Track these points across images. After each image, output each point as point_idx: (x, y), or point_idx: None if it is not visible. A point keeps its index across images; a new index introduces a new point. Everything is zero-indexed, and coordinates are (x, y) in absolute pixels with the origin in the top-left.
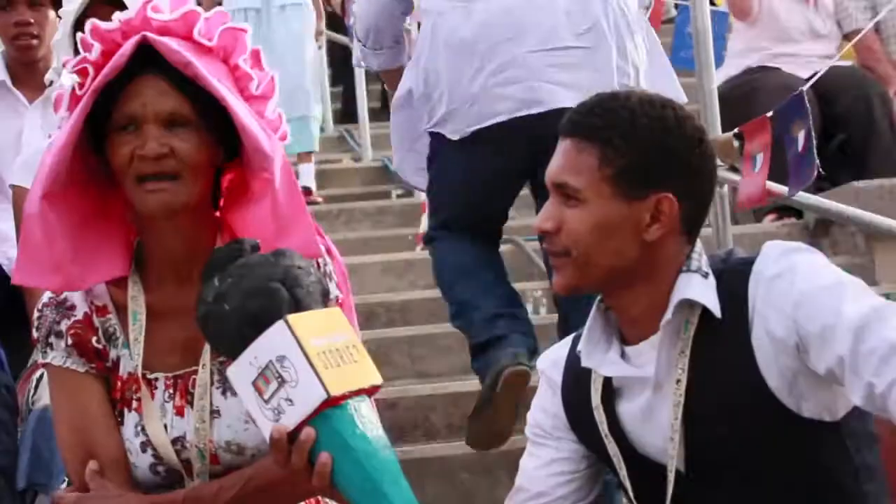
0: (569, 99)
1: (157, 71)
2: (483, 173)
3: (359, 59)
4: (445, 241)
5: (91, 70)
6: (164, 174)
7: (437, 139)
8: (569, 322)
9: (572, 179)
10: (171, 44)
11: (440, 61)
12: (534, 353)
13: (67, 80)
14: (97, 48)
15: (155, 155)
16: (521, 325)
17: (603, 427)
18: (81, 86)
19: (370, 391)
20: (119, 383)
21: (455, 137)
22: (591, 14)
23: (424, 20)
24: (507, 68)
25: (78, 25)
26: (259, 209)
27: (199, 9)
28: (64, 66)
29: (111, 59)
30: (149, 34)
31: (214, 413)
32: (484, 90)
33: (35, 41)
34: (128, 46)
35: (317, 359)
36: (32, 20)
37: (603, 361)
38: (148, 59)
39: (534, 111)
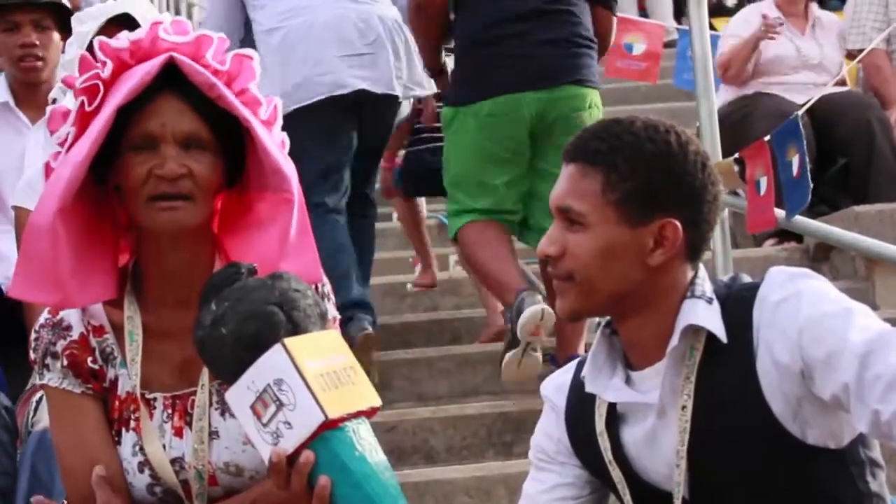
0: (362, 83)
1: (174, 91)
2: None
3: None
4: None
5: (101, 87)
6: (179, 195)
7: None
8: None
9: (576, 204)
10: (195, 66)
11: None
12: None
13: (71, 100)
14: (109, 65)
15: (174, 175)
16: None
17: (607, 453)
18: (91, 102)
19: (369, 413)
20: (117, 403)
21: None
22: (374, 29)
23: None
24: (321, 65)
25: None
26: (266, 233)
27: (212, 34)
28: (65, 83)
29: (132, 76)
30: (175, 55)
31: (213, 434)
32: (306, 79)
33: (40, 63)
34: (154, 65)
35: (314, 381)
36: (38, 42)
37: (607, 387)
38: (164, 79)
39: (340, 92)
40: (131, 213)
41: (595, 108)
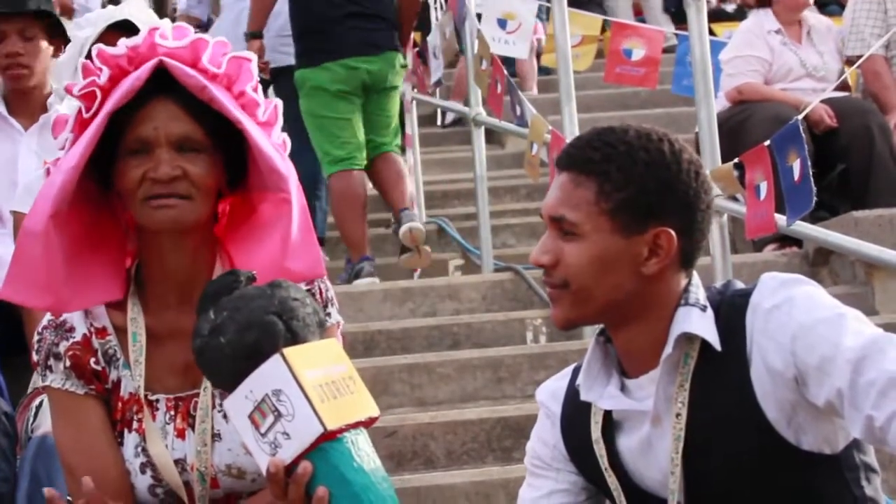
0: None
1: (168, 95)
2: None
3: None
4: None
5: (98, 94)
6: (175, 195)
7: None
8: None
9: (570, 213)
10: (186, 69)
11: None
12: None
13: (67, 105)
14: (106, 72)
15: (168, 178)
16: None
17: (603, 461)
18: (88, 109)
19: (367, 423)
20: (120, 404)
21: None
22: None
23: None
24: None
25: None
26: (269, 233)
27: (207, 37)
28: (67, 91)
29: (124, 83)
30: (165, 59)
31: (215, 436)
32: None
33: (25, 71)
34: (144, 70)
35: (313, 392)
36: (23, 51)
37: (602, 395)
38: (158, 84)
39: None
40: (132, 215)
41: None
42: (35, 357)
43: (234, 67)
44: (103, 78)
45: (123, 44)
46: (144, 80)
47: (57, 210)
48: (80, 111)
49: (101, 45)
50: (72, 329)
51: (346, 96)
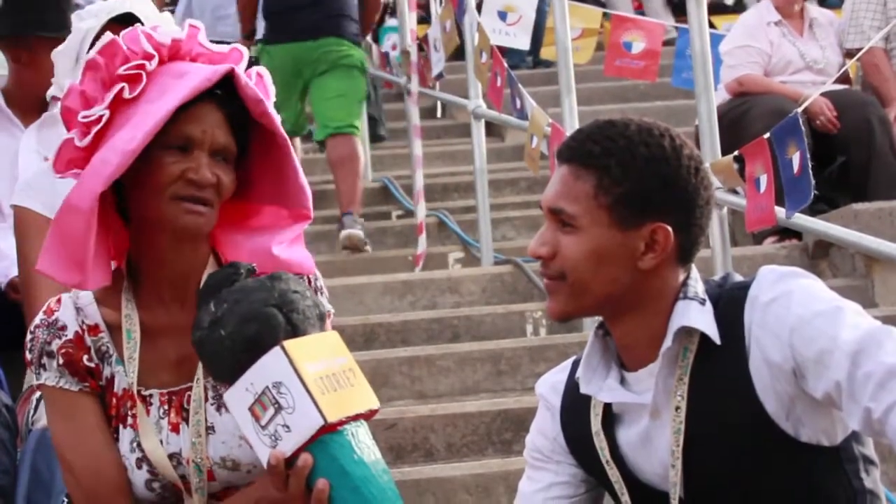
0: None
1: (214, 101)
2: None
3: None
4: None
5: (145, 78)
6: (205, 202)
7: None
8: None
9: (568, 206)
10: (249, 81)
11: None
12: None
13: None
14: (156, 60)
15: (207, 183)
16: None
17: (604, 453)
18: (132, 90)
19: (367, 416)
20: (114, 400)
21: None
22: None
23: None
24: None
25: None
26: (262, 235)
27: (241, 47)
28: (91, 67)
29: (190, 79)
30: (235, 67)
31: (209, 429)
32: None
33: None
34: (216, 73)
35: (313, 385)
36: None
37: (602, 388)
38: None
39: None
40: (144, 208)
41: (350, 49)
42: (28, 356)
43: (259, 80)
44: (153, 64)
45: (168, 34)
46: (214, 83)
47: (104, 189)
48: (120, 91)
49: (146, 30)
50: (63, 328)
51: (281, 74)
